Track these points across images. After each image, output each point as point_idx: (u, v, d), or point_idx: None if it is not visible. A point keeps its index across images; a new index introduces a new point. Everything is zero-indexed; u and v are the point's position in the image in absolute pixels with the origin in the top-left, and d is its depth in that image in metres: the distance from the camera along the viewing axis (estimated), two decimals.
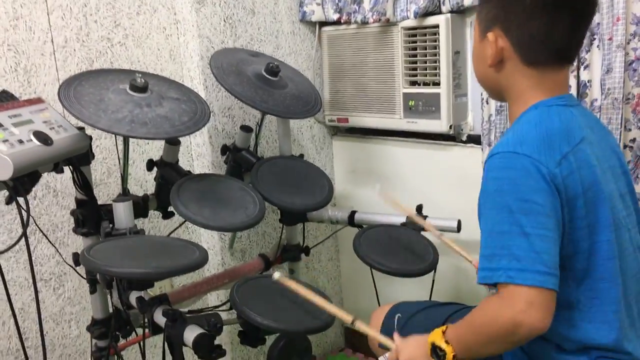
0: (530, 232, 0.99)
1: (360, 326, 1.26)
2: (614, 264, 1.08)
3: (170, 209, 1.71)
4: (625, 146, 1.59)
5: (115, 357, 1.56)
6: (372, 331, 1.29)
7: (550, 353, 1.13)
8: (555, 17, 1.07)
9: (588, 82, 1.60)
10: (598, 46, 1.58)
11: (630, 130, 1.58)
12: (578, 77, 1.62)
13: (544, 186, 1.01)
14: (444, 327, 1.11)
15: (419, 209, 1.79)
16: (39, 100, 1.40)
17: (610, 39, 1.54)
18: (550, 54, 1.10)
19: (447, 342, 1.08)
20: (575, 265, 1.07)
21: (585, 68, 1.60)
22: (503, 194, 1.02)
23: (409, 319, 1.42)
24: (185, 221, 1.85)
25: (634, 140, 1.58)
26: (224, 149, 1.87)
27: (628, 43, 1.53)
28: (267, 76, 1.77)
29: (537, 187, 1.01)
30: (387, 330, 1.41)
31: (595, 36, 1.58)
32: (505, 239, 1.01)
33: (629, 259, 1.12)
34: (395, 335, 1.21)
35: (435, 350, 1.10)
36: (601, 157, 1.11)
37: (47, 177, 1.73)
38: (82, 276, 1.58)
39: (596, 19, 1.56)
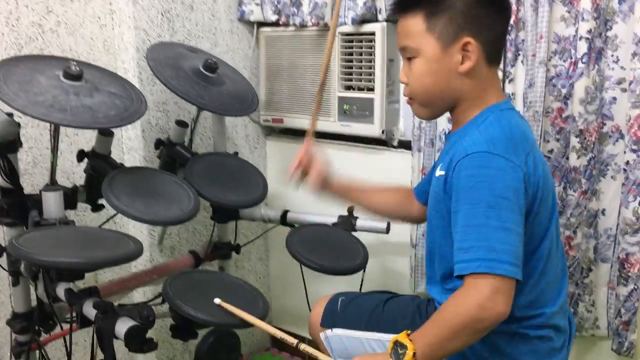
0: (509, 227, 1.05)
1: (306, 349, 1.17)
2: (550, 245, 1.20)
3: (100, 201, 1.68)
4: (544, 157, 1.69)
5: (37, 352, 1.51)
6: (321, 354, 1.16)
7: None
8: (505, 19, 1.24)
9: (512, 94, 1.70)
10: (522, 62, 1.68)
11: (548, 141, 1.69)
12: (503, 89, 1.71)
13: (517, 185, 1.08)
14: (408, 331, 1.09)
15: (351, 210, 1.83)
16: None
17: (533, 55, 1.64)
18: (499, 54, 1.24)
19: (410, 340, 1.06)
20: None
21: (510, 82, 1.70)
22: (480, 190, 1.07)
23: (351, 301, 1.47)
24: (115, 215, 1.82)
25: (551, 151, 1.70)
26: (158, 143, 1.84)
27: (549, 60, 1.64)
28: (205, 72, 1.76)
29: (510, 185, 1.07)
30: (331, 313, 1.46)
31: (520, 52, 1.68)
32: (483, 232, 1.05)
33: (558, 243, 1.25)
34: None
35: (396, 347, 1.07)
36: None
37: None
38: (3, 268, 1.52)
39: (521, 35, 1.66)
